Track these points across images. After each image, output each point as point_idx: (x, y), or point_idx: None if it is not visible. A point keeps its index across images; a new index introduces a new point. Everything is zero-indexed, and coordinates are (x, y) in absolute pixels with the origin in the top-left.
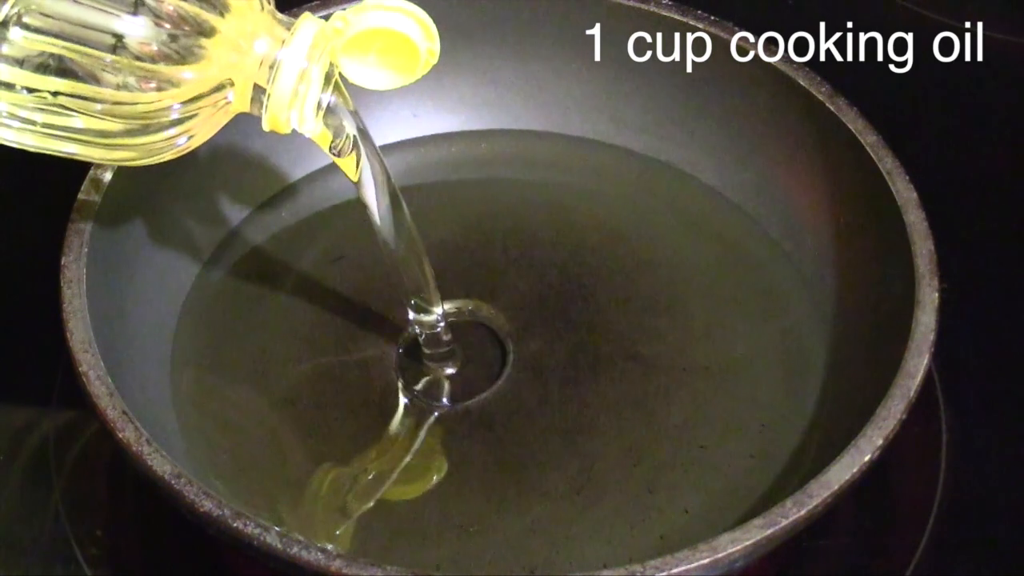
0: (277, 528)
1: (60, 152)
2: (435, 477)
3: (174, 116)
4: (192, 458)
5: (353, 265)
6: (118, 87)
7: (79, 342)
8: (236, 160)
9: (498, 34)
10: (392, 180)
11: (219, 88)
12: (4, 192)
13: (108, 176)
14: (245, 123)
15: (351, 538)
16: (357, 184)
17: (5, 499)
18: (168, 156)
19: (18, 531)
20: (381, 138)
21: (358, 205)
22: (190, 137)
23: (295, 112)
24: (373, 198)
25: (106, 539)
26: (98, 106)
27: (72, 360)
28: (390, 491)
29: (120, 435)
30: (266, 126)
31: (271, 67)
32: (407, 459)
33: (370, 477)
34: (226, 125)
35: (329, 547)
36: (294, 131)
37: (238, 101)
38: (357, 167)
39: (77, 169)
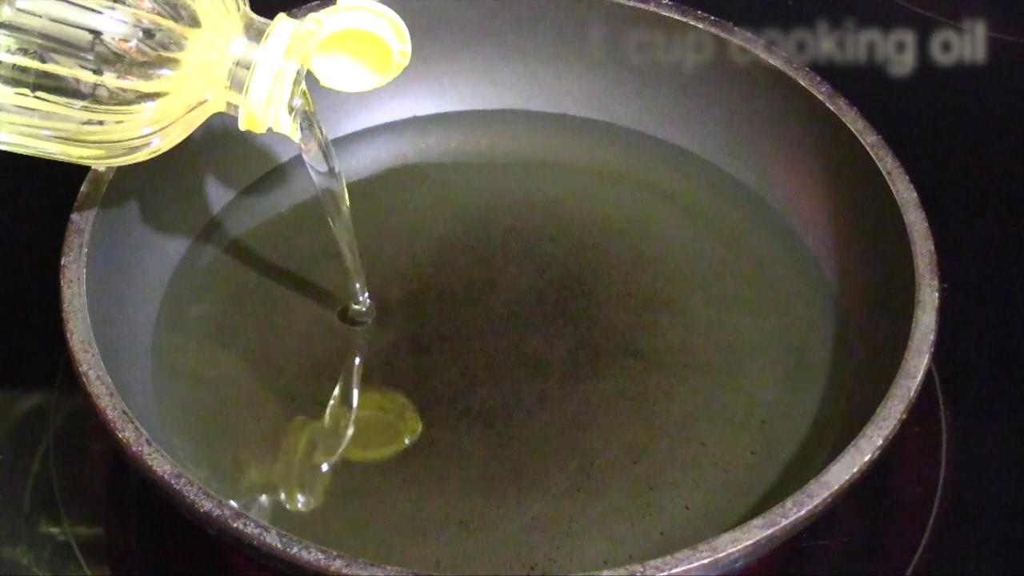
0: (277, 528)
1: (32, 150)
2: (434, 474)
3: (149, 114)
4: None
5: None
6: (94, 92)
7: (79, 342)
8: (234, 151)
9: (498, 34)
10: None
11: (195, 90)
12: (4, 192)
13: (109, 175)
14: None
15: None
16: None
17: (5, 498)
18: (142, 157)
19: (18, 531)
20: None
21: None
22: (164, 137)
23: (271, 111)
24: (326, 186)
25: (106, 539)
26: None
27: (72, 360)
28: (389, 487)
29: (120, 435)
30: (242, 125)
31: (247, 68)
32: (405, 453)
33: (371, 475)
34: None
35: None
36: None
37: (215, 101)
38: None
39: (77, 169)
